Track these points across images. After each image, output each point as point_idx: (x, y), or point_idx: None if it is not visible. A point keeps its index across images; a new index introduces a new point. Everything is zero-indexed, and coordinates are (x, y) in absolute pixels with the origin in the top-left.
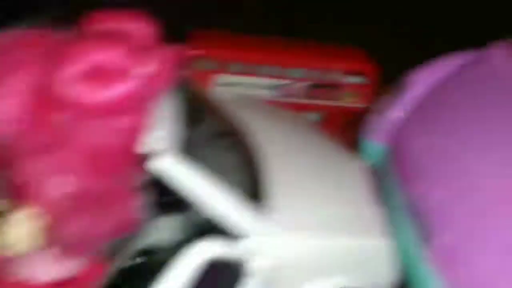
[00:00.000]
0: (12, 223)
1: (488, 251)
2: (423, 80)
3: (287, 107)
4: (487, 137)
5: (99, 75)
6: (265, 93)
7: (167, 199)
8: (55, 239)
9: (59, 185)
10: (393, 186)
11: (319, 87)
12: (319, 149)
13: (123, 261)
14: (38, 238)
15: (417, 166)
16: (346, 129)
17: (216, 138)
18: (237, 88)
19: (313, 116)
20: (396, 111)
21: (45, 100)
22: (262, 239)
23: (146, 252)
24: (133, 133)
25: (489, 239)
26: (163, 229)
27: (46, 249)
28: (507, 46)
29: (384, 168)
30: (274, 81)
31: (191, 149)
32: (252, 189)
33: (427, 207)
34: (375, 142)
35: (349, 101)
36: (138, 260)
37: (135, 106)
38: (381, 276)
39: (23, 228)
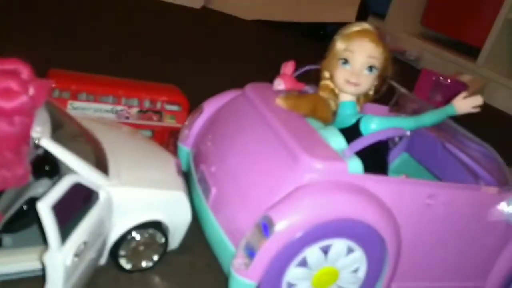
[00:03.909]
0: None
1: (234, 198)
2: (211, 106)
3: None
4: (236, 137)
5: (7, 93)
6: (108, 116)
7: (45, 167)
8: None
9: None
10: (192, 169)
11: (148, 112)
12: (145, 146)
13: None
14: None
15: (202, 155)
16: (169, 142)
17: (74, 136)
18: (86, 111)
19: (146, 132)
20: (196, 126)
21: None
22: (105, 187)
23: (32, 200)
24: (26, 126)
25: (234, 192)
26: (42, 187)
27: None
28: (256, 86)
29: (189, 162)
30: (113, 107)
31: (60, 138)
32: (100, 165)
33: (206, 177)
34: (184, 147)
35: (170, 122)
36: (25, 205)
37: (27, 111)
38: (182, 216)
39: None
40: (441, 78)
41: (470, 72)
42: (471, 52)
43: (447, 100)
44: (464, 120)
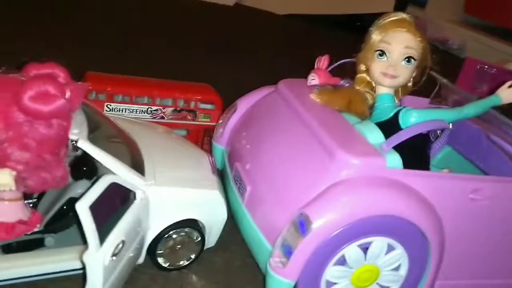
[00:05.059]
0: None
1: (269, 195)
2: (245, 103)
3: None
4: (270, 135)
5: (45, 97)
6: (143, 116)
7: (84, 168)
8: (20, 187)
9: (20, 157)
10: (227, 167)
11: (182, 112)
12: (179, 145)
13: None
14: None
15: (237, 153)
16: (204, 141)
17: (111, 137)
18: (122, 112)
19: (181, 132)
20: (230, 124)
21: (17, 110)
22: (141, 187)
23: (71, 200)
24: (63, 129)
25: (269, 190)
26: (81, 187)
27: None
28: (289, 82)
29: (223, 160)
30: (148, 107)
31: (96, 140)
32: (136, 165)
33: (241, 175)
34: (219, 145)
35: (204, 121)
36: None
37: (65, 114)
38: (217, 214)
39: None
40: (486, 67)
41: None
42: None
43: (493, 90)
44: (510, 109)
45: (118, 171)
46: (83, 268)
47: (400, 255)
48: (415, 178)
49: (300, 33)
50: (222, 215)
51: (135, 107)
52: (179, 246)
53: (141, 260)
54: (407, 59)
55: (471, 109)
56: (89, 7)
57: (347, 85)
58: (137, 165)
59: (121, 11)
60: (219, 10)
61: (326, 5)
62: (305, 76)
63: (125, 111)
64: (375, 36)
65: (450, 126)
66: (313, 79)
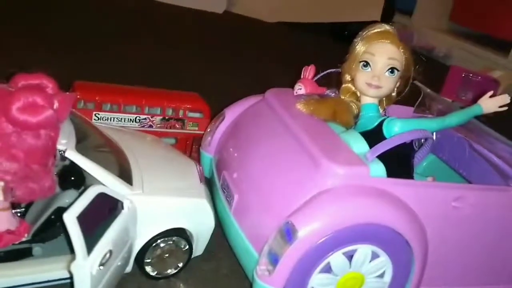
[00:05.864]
0: None
1: (256, 204)
2: (233, 112)
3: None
4: (258, 144)
5: (33, 108)
6: (132, 125)
7: (72, 178)
8: (8, 197)
9: (8, 167)
10: (215, 176)
11: (171, 120)
12: (167, 154)
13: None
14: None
15: (225, 162)
16: (192, 149)
17: (99, 146)
18: (110, 121)
19: (170, 140)
20: (218, 132)
21: (5, 121)
22: (129, 196)
23: (59, 210)
24: (51, 139)
25: (256, 198)
26: (69, 197)
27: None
28: (276, 91)
29: (211, 169)
30: (136, 116)
31: (85, 150)
32: (124, 174)
33: (229, 183)
34: (207, 153)
35: (192, 130)
36: (53, 216)
37: (53, 124)
38: (205, 223)
39: None
40: (470, 75)
41: (502, 67)
42: (503, 47)
43: (478, 97)
44: (495, 118)
45: (105, 181)
46: (71, 277)
47: (384, 262)
48: (399, 187)
49: (288, 42)
50: (209, 224)
51: (123, 116)
52: (166, 255)
53: (129, 269)
54: (390, 70)
55: (454, 118)
56: (76, 13)
57: (332, 95)
58: (125, 175)
59: (108, 18)
60: (208, 17)
61: (315, 14)
62: (293, 84)
63: (114, 120)
64: (359, 47)
65: (434, 136)
66: (300, 88)
